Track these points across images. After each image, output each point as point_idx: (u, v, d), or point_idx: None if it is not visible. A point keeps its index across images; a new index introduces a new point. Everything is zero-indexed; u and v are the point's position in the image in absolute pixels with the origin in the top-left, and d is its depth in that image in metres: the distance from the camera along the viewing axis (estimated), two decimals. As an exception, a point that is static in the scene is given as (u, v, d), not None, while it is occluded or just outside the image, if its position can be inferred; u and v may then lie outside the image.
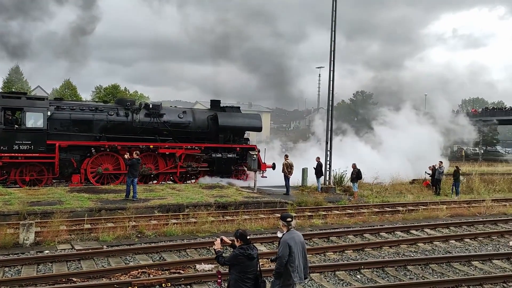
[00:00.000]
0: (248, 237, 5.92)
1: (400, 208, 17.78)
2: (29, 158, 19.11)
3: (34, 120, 19.20)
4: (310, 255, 10.79)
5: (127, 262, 10.12)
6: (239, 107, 26.47)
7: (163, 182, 22.26)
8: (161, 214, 14.87)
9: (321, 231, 13.43)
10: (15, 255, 10.28)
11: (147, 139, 21.80)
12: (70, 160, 19.93)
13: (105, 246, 11.14)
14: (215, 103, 25.14)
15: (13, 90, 37.07)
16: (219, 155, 23.02)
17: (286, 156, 22.11)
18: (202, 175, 23.15)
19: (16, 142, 18.81)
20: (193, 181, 23.05)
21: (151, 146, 21.48)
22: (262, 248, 11.39)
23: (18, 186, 19.25)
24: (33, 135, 19.09)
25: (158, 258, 10.53)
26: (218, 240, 6.07)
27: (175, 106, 26.65)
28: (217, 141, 23.45)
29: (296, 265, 5.96)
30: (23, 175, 19.39)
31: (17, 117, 19.70)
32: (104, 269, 9.32)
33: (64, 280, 8.66)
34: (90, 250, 10.64)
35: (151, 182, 22.10)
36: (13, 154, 18.72)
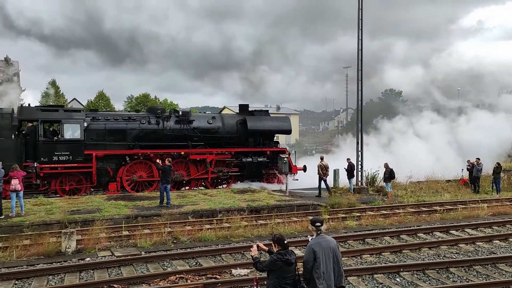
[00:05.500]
0: (285, 242, 5.84)
1: (438, 208, 17.34)
2: (68, 169, 19.73)
3: (71, 131, 19.82)
4: (346, 258, 10.68)
5: (165, 267, 10.28)
6: (267, 111, 26.42)
7: (195, 188, 22.50)
8: (195, 220, 15.05)
9: (355, 233, 13.26)
10: (58, 263, 10.62)
11: (178, 146, 22.11)
12: (106, 169, 20.51)
13: (143, 252, 11.37)
14: (243, 107, 25.24)
15: (50, 103, 38.31)
16: (250, 159, 23.09)
17: (322, 157, 21.85)
18: (233, 179, 23.28)
19: (55, 153, 19.45)
20: (224, 186, 23.20)
21: (182, 153, 21.78)
22: (297, 252, 11.33)
23: (58, 195, 19.91)
24: (71, 146, 19.71)
25: (194, 263, 10.65)
26: (255, 246, 6.06)
27: (204, 112, 26.86)
28: (247, 145, 23.53)
29: (322, 272, 5.70)
30: (63, 185, 20.03)
31: (55, 129, 20.40)
32: (144, 275, 9.51)
33: (105, 286, 8.88)
34: (129, 257, 10.86)
35: (183, 188, 22.40)
36: (53, 165, 19.38)
